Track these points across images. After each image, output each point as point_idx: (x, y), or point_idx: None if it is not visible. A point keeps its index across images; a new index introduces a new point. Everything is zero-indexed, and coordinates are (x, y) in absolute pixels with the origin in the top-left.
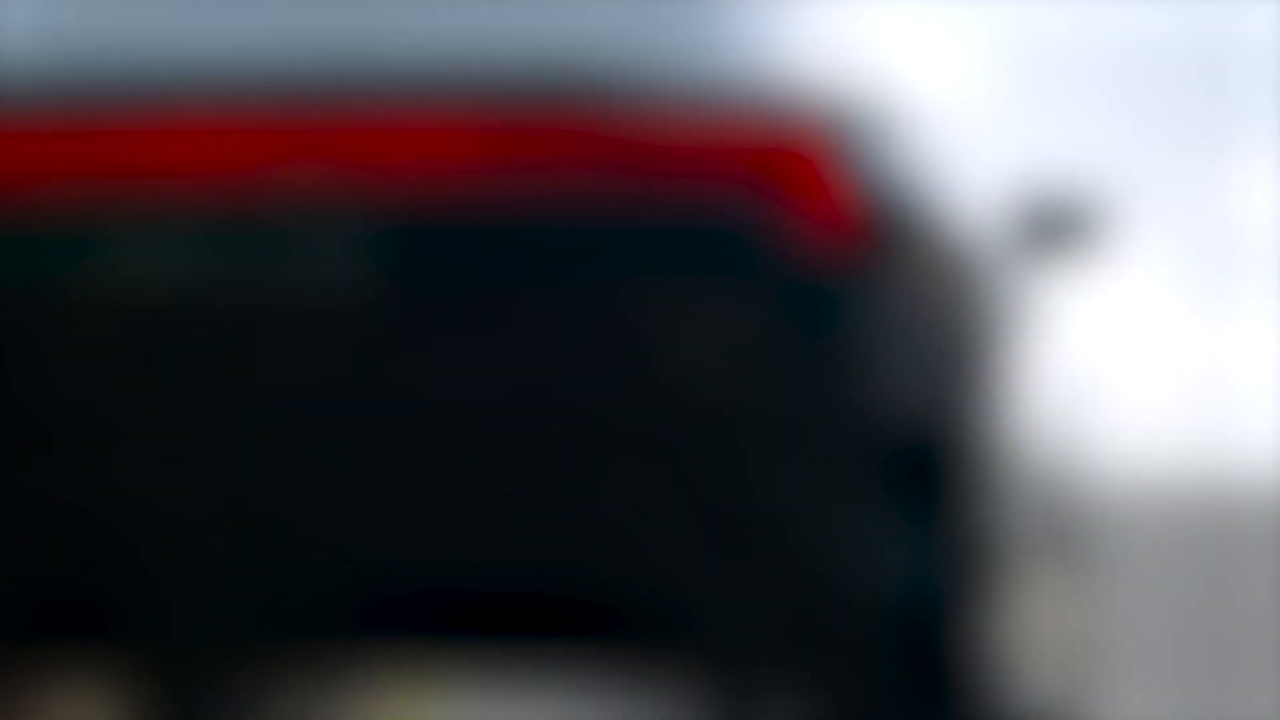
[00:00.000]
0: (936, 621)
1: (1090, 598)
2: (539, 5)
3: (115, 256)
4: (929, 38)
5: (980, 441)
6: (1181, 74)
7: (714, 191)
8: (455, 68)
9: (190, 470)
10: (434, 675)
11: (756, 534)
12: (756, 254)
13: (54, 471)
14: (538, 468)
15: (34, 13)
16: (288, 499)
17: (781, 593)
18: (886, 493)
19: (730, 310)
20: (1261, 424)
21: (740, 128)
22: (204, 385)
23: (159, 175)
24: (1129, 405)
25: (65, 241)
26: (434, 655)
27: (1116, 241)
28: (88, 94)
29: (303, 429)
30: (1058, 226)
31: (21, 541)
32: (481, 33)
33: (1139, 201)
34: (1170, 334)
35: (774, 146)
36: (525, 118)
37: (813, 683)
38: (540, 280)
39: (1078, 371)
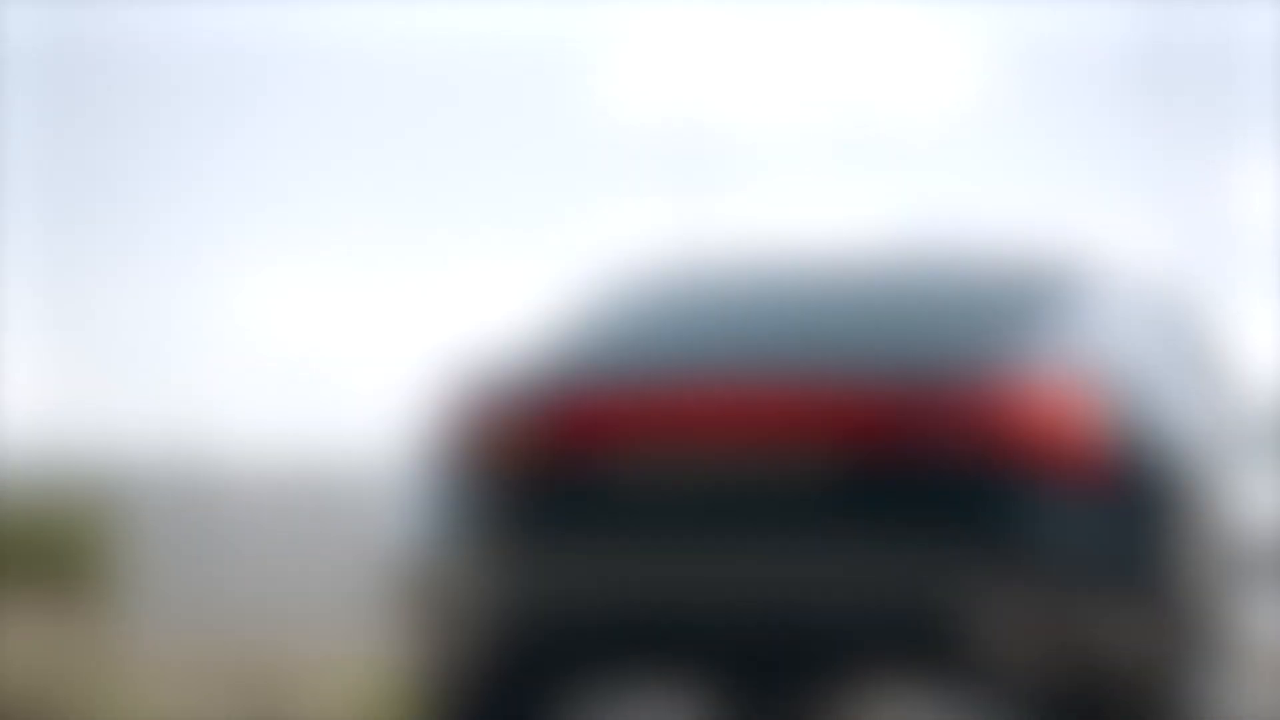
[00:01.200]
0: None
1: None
2: (892, 311)
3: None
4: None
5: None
6: (1181, 74)
7: (1004, 443)
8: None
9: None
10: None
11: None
12: (1033, 489)
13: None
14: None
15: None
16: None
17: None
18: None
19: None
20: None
21: (1015, 393)
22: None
23: (684, 433)
24: None
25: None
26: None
27: None
28: (641, 365)
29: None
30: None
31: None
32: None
33: (1137, 201)
34: None
35: (1041, 407)
36: (897, 396)
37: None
38: (884, 519)
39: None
